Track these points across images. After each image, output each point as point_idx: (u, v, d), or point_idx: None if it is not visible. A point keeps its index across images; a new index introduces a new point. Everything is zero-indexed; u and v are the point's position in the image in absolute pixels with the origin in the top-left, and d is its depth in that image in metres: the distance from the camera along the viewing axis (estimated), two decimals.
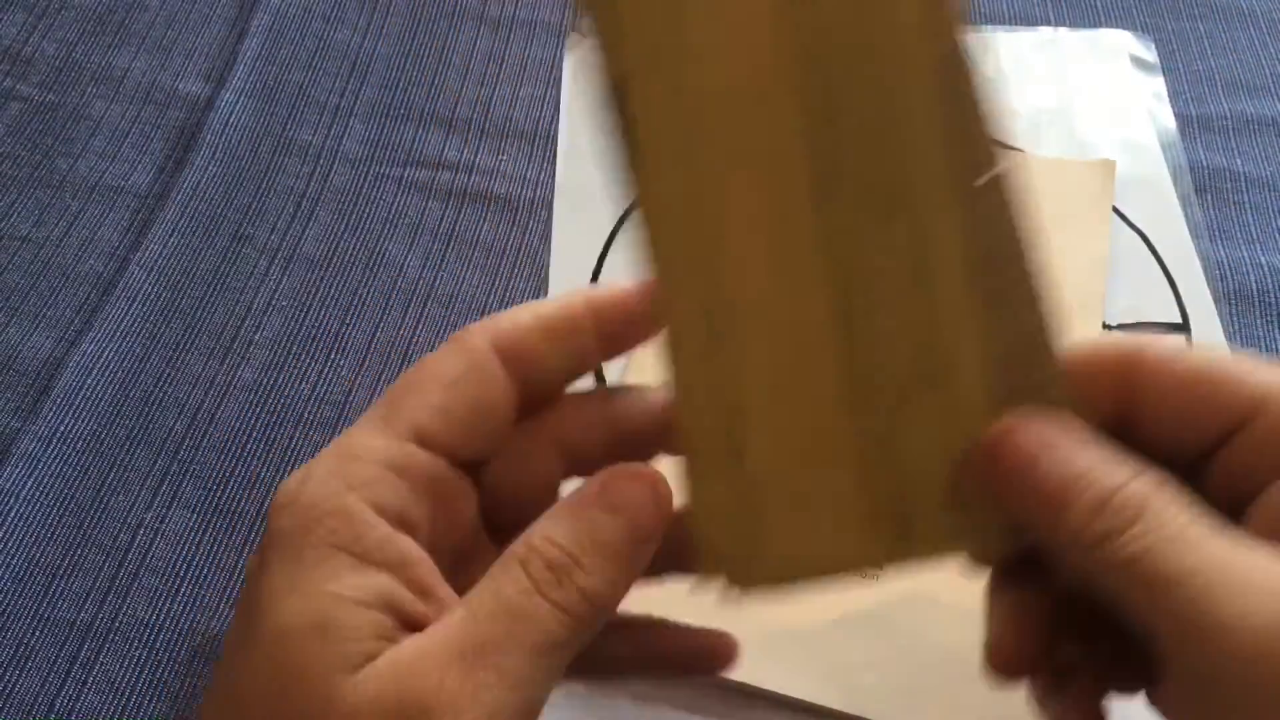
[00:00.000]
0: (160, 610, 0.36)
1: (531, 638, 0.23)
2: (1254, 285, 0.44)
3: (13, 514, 0.38)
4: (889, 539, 0.25)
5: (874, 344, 0.25)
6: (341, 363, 0.42)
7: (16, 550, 0.37)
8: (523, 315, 0.27)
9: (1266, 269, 0.44)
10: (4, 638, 0.35)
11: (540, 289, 0.44)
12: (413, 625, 0.22)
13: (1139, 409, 0.27)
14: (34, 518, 0.38)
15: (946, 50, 0.25)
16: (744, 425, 0.25)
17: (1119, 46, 0.52)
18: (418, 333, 0.43)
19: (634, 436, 0.28)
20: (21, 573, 0.37)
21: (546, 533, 0.24)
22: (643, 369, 0.42)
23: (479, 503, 0.26)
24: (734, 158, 0.25)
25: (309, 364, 0.42)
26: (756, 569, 0.25)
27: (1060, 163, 0.47)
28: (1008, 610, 0.27)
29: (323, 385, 0.41)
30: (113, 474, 0.39)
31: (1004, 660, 0.27)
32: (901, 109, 0.25)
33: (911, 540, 0.26)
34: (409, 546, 0.23)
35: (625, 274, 0.44)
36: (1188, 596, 0.23)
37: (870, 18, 0.25)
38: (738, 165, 0.25)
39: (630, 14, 0.25)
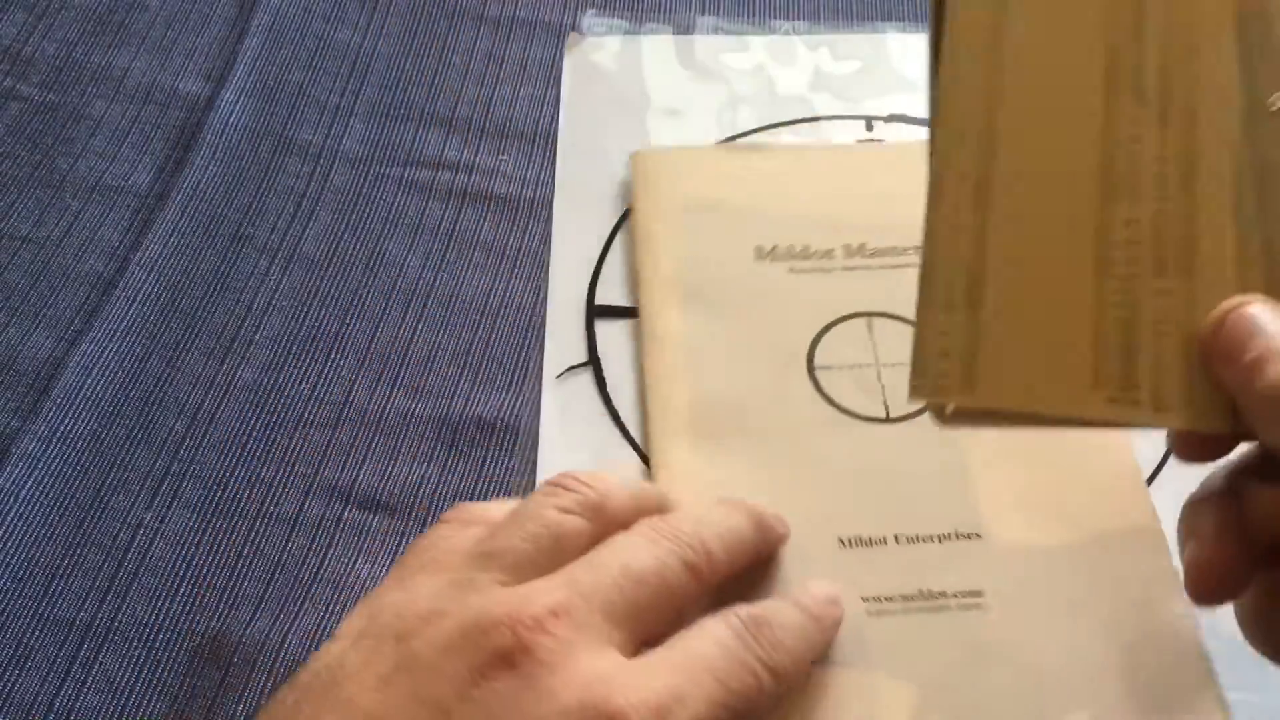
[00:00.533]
0: (160, 610, 0.36)
1: None
2: None
3: (12, 514, 0.38)
4: (1112, 392, 0.28)
5: (1132, 224, 0.29)
6: (341, 363, 0.42)
7: (16, 550, 0.37)
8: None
9: None
10: (4, 637, 0.35)
11: (540, 289, 0.44)
12: None
13: None
14: (34, 517, 0.38)
15: None
16: (987, 275, 0.29)
17: None
18: (418, 333, 0.43)
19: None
20: (21, 572, 0.37)
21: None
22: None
23: None
24: (1035, 32, 0.31)
25: (309, 364, 0.42)
26: (969, 395, 0.29)
27: None
28: (1210, 527, 0.29)
29: (323, 385, 0.41)
30: (113, 474, 0.39)
31: (1201, 579, 0.28)
32: (1204, 33, 0.30)
33: (1134, 399, 0.28)
34: None
35: (624, 275, 0.44)
36: None
37: None
38: (1037, 51, 0.30)
39: None
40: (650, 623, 0.30)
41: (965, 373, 0.29)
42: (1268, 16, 0.30)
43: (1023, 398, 0.28)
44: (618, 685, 0.27)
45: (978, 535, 0.37)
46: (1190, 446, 0.30)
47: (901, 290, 0.41)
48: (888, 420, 0.40)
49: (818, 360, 0.41)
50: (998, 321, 0.29)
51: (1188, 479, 0.37)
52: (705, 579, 0.32)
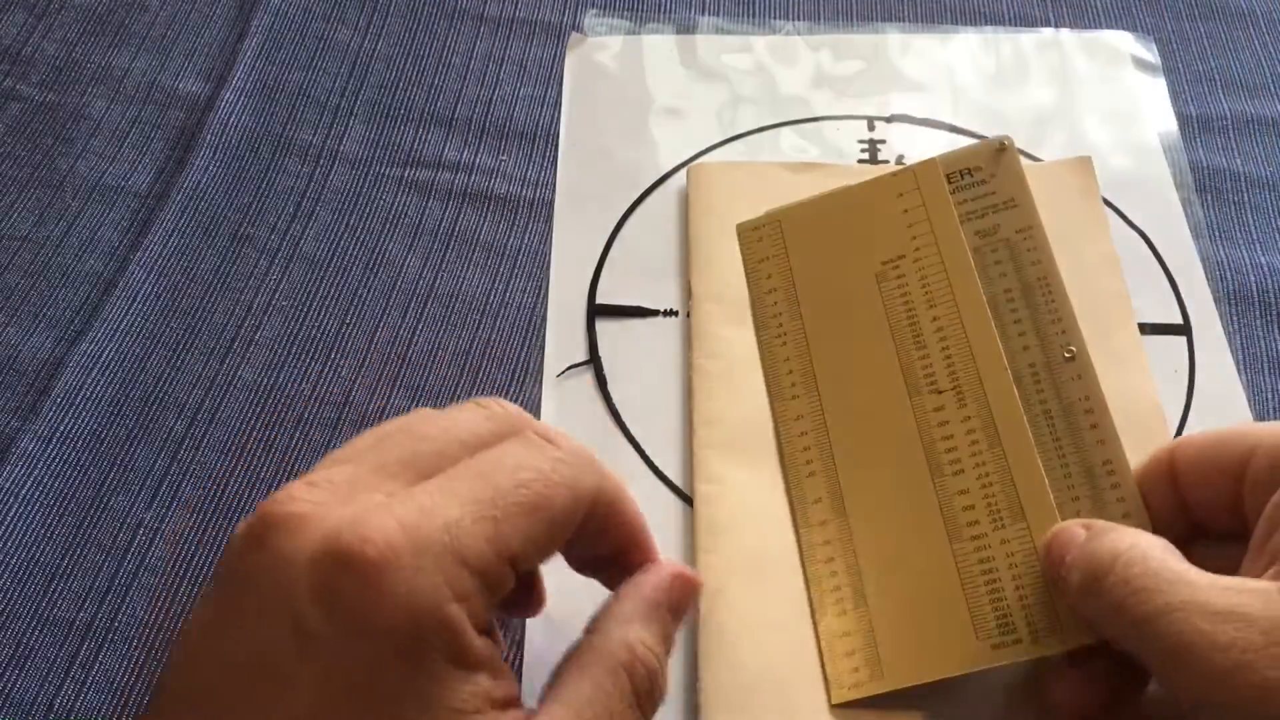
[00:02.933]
0: (160, 610, 0.36)
1: None
2: (1254, 285, 0.44)
3: (12, 513, 0.38)
4: (994, 639, 0.32)
5: (964, 492, 0.35)
6: (341, 363, 0.42)
7: (16, 550, 0.37)
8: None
9: (1266, 269, 0.44)
10: (3, 637, 0.35)
11: (540, 289, 0.44)
12: (503, 706, 0.25)
13: (1188, 493, 0.32)
14: (33, 517, 0.38)
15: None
16: (863, 574, 0.35)
17: (1120, 47, 0.52)
18: (418, 333, 0.43)
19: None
20: (21, 572, 0.37)
21: (643, 639, 0.28)
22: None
23: None
24: (848, 378, 0.39)
25: (309, 364, 0.42)
26: (880, 683, 0.33)
27: (1035, 166, 0.47)
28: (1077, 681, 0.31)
29: (323, 385, 0.41)
30: (113, 474, 0.39)
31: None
32: (971, 327, 0.38)
33: (1015, 638, 0.32)
34: (490, 648, 0.25)
35: (624, 275, 0.44)
36: (1167, 630, 0.26)
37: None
38: (850, 385, 0.38)
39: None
40: (435, 466, 0.26)
41: (872, 665, 0.33)
42: (1051, 286, 0.38)
43: (925, 670, 0.33)
44: (354, 522, 0.24)
45: None
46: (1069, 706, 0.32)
47: None
48: None
49: None
50: (884, 611, 0.34)
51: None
52: (504, 425, 0.28)
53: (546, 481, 0.26)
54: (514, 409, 0.29)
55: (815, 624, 0.34)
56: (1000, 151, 0.41)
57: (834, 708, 0.33)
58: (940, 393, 0.37)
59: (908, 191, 0.42)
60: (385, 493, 0.26)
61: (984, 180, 0.41)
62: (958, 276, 0.39)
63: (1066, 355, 0.37)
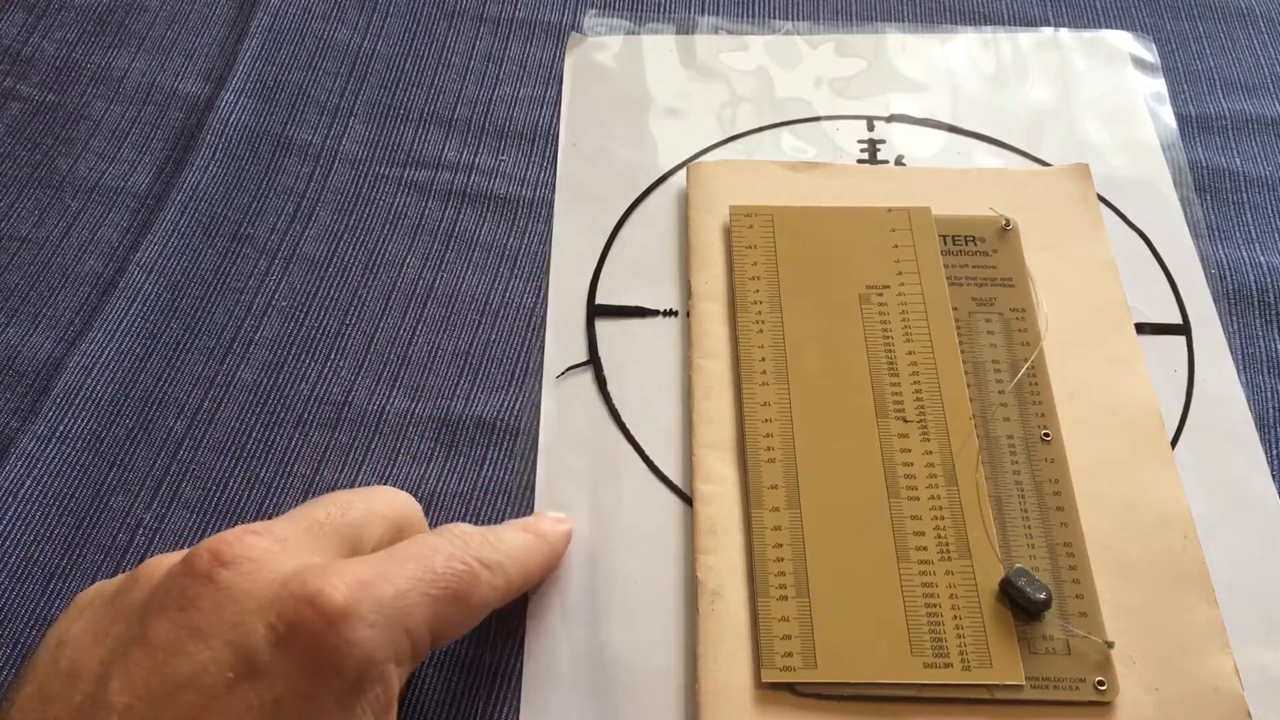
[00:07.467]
0: None
1: None
2: (1254, 285, 0.44)
3: (11, 513, 0.38)
4: (927, 658, 0.33)
5: (915, 519, 0.36)
6: (341, 363, 0.42)
7: (15, 550, 0.37)
8: None
9: (1266, 269, 0.44)
10: (3, 637, 0.35)
11: (540, 289, 0.44)
12: None
13: None
14: (33, 517, 0.38)
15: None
16: (809, 566, 0.35)
17: (1119, 47, 0.52)
18: (418, 333, 0.43)
19: None
20: (20, 572, 0.37)
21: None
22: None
23: None
24: (820, 383, 0.39)
25: (309, 364, 0.42)
26: (813, 673, 0.33)
27: (1034, 172, 0.47)
28: None
29: (323, 385, 0.41)
30: (112, 474, 0.39)
31: None
32: (942, 365, 0.39)
33: (946, 662, 0.33)
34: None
35: (624, 275, 0.44)
36: None
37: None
38: (821, 389, 0.39)
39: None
40: (362, 540, 0.30)
41: (807, 654, 0.34)
42: (1035, 370, 0.40)
43: (858, 670, 0.33)
44: (318, 571, 0.27)
45: None
46: None
47: None
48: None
49: None
50: (825, 606, 0.34)
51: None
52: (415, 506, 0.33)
53: (474, 575, 0.30)
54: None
55: (753, 600, 0.35)
56: (1005, 229, 0.44)
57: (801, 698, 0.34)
58: (906, 421, 0.38)
59: (900, 229, 0.43)
60: (321, 555, 0.28)
61: (986, 252, 0.43)
62: (937, 323, 0.41)
63: (1044, 437, 0.38)
